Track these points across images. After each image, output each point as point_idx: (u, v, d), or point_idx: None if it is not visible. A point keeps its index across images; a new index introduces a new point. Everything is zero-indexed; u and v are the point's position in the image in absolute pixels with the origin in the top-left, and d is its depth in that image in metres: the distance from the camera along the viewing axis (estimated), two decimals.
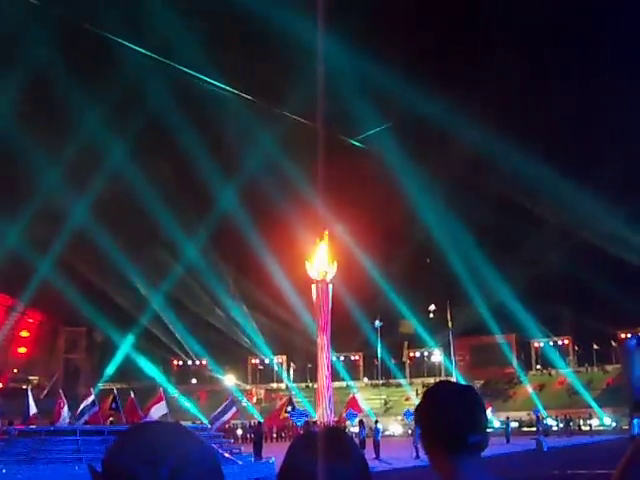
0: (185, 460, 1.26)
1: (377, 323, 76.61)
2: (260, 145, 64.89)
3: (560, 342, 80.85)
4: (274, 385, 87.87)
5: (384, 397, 79.87)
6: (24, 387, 56.59)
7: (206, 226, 69.01)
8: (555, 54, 63.92)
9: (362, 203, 61.55)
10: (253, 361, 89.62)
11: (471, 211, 63.84)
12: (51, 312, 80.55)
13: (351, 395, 48.91)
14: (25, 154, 58.75)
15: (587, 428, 60.87)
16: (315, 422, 46.45)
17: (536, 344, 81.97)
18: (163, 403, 32.23)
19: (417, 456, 27.76)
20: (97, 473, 1.27)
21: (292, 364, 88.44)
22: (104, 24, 55.00)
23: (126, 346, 75.94)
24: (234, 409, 30.89)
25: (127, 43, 53.89)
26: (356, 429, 38.79)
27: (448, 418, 1.94)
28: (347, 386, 76.70)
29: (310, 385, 76.30)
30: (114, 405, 33.72)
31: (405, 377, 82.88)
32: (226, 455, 22.75)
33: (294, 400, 50.68)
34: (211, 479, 1.29)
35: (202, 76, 57.10)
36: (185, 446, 1.28)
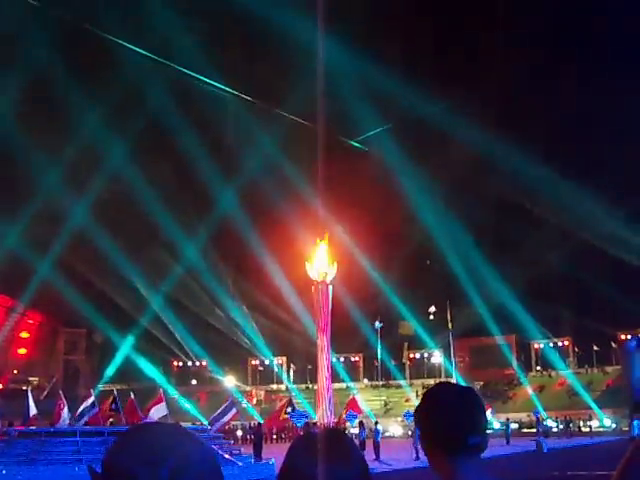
0: (185, 461, 1.26)
1: (377, 324, 76.62)
2: (260, 146, 64.92)
3: (560, 343, 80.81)
4: (274, 386, 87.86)
5: (384, 398, 79.87)
6: (24, 388, 56.52)
7: (206, 227, 69.04)
8: (555, 54, 63.92)
9: (362, 204, 61.56)
10: (253, 362, 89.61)
11: (471, 212, 63.88)
12: (51, 313, 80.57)
13: (351, 396, 48.85)
14: (25, 155, 58.77)
15: (587, 429, 60.85)
16: (315, 423, 46.40)
17: (536, 345, 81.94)
18: (163, 404, 32.22)
19: (417, 457, 27.79)
20: (97, 474, 1.27)
21: (292, 365, 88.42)
22: (104, 25, 55.04)
23: (126, 347, 75.95)
24: (234, 410, 30.89)
25: (127, 44, 53.92)
26: (356, 430, 38.79)
27: (448, 419, 1.94)
28: (347, 387, 76.70)
29: (310, 386, 76.24)
30: (114, 406, 33.72)
31: (405, 378, 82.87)
32: (226, 456, 22.78)
33: (294, 401, 50.64)
34: None
35: (202, 77, 57.14)
36: (185, 447, 1.28)
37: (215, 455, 1.34)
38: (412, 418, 28.49)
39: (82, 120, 60.50)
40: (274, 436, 57.37)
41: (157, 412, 31.28)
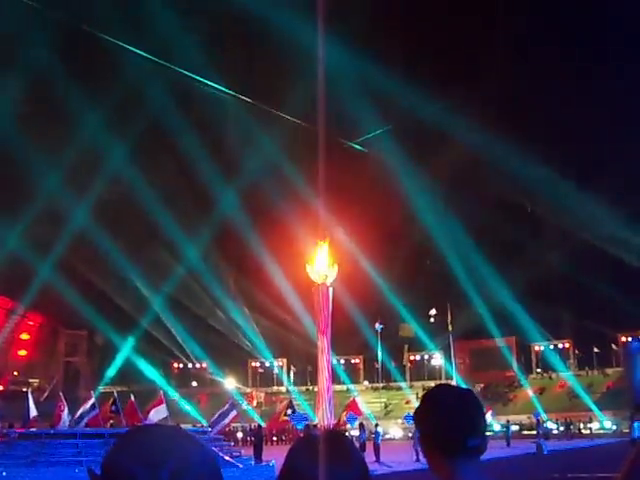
0: (185, 463, 1.26)
1: (377, 326, 76.57)
2: (260, 147, 64.90)
3: (560, 345, 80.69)
4: (274, 388, 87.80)
5: (384, 400, 79.79)
6: (24, 390, 56.43)
7: (207, 228, 68.99)
8: (555, 54, 63.84)
9: (362, 206, 61.51)
10: (253, 364, 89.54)
11: (471, 213, 63.82)
12: (51, 315, 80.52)
13: (351, 398, 48.87)
14: (25, 156, 58.74)
15: (587, 431, 60.83)
16: (315, 425, 46.37)
17: (536, 347, 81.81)
18: (163, 406, 32.20)
19: (417, 459, 27.75)
20: (96, 476, 1.28)
21: (292, 367, 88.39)
22: (103, 26, 55.04)
23: (126, 349, 75.89)
24: (234, 412, 30.87)
25: (126, 45, 53.88)
26: (356, 432, 38.75)
27: (447, 421, 1.95)
28: (347, 389, 76.73)
29: (310, 388, 76.20)
30: (114, 408, 33.67)
31: (405, 380, 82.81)
32: (226, 458, 22.74)
33: (294, 403, 50.62)
34: None
35: (202, 78, 57.11)
36: (185, 449, 1.28)
37: (215, 457, 1.35)
38: (412, 420, 28.52)
39: (82, 121, 60.51)
40: (274, 438, 57.31)
41: (157, 414, 31.26)
